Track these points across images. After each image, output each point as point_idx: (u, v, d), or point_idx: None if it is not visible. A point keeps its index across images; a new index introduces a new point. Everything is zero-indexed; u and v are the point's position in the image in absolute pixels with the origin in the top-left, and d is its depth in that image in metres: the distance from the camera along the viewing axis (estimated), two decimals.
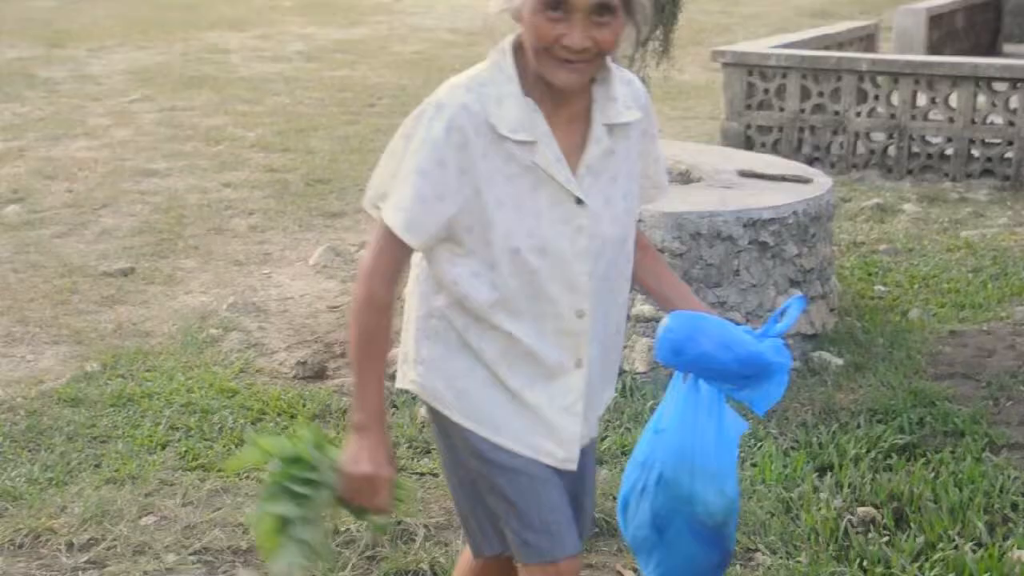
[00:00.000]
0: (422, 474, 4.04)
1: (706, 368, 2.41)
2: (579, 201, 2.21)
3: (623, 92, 2.27)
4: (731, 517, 2.57)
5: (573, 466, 2.33)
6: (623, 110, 2.26)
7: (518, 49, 2.18)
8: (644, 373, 4.76)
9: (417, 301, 2.33)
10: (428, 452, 4.19)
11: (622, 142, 2.27)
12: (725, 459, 2.51)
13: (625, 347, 4.81)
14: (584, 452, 2.38)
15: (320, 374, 4.97)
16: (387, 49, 15.53)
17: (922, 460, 4.10)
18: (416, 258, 2.32)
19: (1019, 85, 8.65)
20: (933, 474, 3.97)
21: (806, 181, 5.45)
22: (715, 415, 2.48)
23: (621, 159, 2.28)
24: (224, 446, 4.25)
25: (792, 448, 4.23)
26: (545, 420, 2.29)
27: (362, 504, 2.25)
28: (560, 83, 2.13)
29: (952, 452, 4.15)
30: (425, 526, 3.69)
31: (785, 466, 4.06)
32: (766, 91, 9.38)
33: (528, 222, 2.17)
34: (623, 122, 2.26)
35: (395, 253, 2.20)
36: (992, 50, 14.55)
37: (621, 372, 4.79)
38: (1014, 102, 8.69)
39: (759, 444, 4.24)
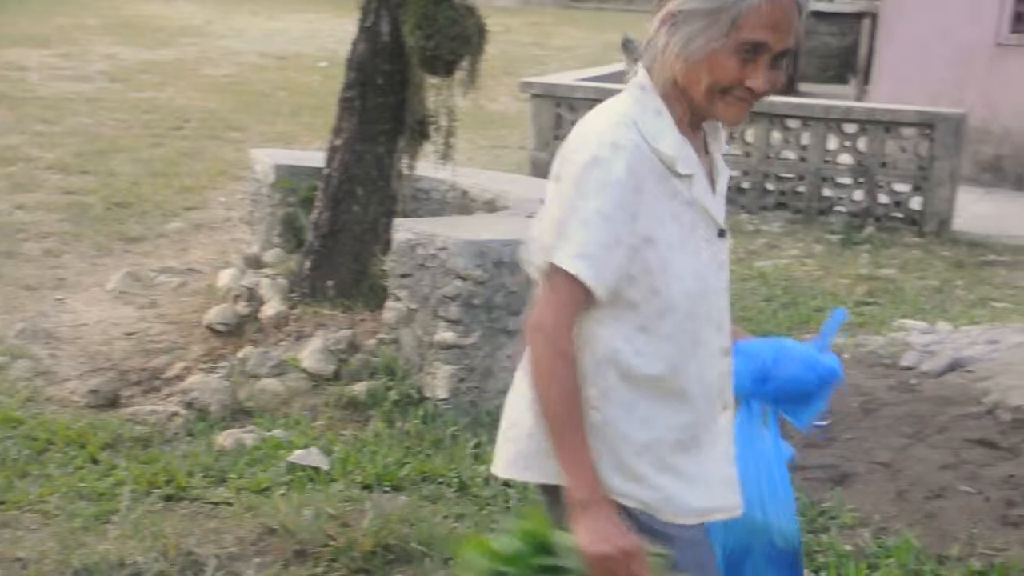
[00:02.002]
0: (216, 503, 3.95)
1: (791, 392, 2.34)
2: (721, 233, 2.14)
3: (718, 127, 2.24)
4: (801, 538, 2.53)
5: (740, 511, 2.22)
6: (723, 143, 2.24)
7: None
8: (446, 400, 4.76)
9: None
10: (223, 481, 4.10)
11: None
12: (786, 482, 2.44)
13: (427, 374, 4.82)
14: None
15: (113, 402, 4.82)
16: (196, 72, 15.24)
17: None
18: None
19: (810, 123, 9.04)
20: None
21: None
22: (771, 440, 2.40)
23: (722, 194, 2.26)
24: (7, 478, 4.07)
25: None
26: (718, 473, 2.16)
27: None
28: (731, 120, 2.08)
29: None
30: (216, 556, 3.60)
31: None
32: (573, 123, 9.52)
33: (693, 262, 2.08)
34: (723, 153, 2.24)
35: (577, 305, 2.00)
36: (788, 89, 15.17)
37: (422, 399, 4.80)
38: (805, 139, 9.09)
39: None
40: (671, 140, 2.05)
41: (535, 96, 9.65)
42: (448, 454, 4.38)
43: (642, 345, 2.05)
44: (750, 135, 9.24)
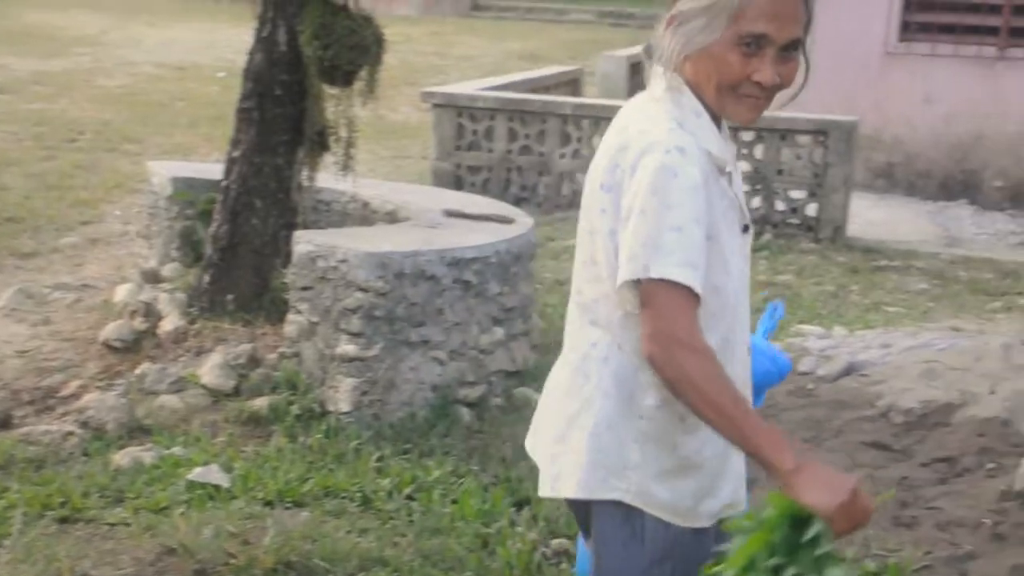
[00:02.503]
0: (113, 524, 3.88)
1: (756, 386, 2.32)
2: (746, 228, 2.17)
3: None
4: None
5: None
6: (732, 141, 2.27)
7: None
8: (348, 413, 4.73)
9: (611, 403, 2.12)
10: (120, 501, 4.03)
11: None
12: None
13: (330, 388, 4.79)
14: None
15: (5, 423, 4.70)
16: (91, 83, 14.94)
17: None
18: (582, 351, 2.17)
19: None
20: None
21: (509, 221, 5.58)
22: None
23: None
24: None
25: (492, 484, 4.30)
26: (737, 468, 2.21)
27: (859, 525, 1.97)
28: (742, 119, 2.08)
29: None
30: None
31: (485, 501, 4.12)
32: (475, 132, 9.58)
33: (738, 259, 2.12)
34: (734, 152, 2.24)
35: (694, 309, 1.97)
36: None
37: (325, 413, 4.76)
38: None
39: (459, 481, 4.29)
40: (713, 139, 2.08)
41: (436, 106, 9.64)
42: (351, 468, 4.36)
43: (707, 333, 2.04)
44: None
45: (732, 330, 2.12)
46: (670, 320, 1.95)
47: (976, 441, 4.79)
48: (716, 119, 2.11)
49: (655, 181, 1.97)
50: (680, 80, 2.08)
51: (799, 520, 1.93)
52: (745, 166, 9.20)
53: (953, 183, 10.59)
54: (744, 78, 2.01)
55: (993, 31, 10.34)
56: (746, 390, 2.17)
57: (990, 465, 4.60)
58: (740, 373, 2.15)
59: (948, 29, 10.39)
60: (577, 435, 2.14)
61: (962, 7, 10.35)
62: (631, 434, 2.10)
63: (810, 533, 1.91)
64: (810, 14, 2.04)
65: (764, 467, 1.94)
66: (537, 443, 2.31)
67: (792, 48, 2.03)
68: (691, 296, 1.96)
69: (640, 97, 2.15)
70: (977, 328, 6.57)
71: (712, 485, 2.16)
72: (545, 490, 2.22)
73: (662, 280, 1.95)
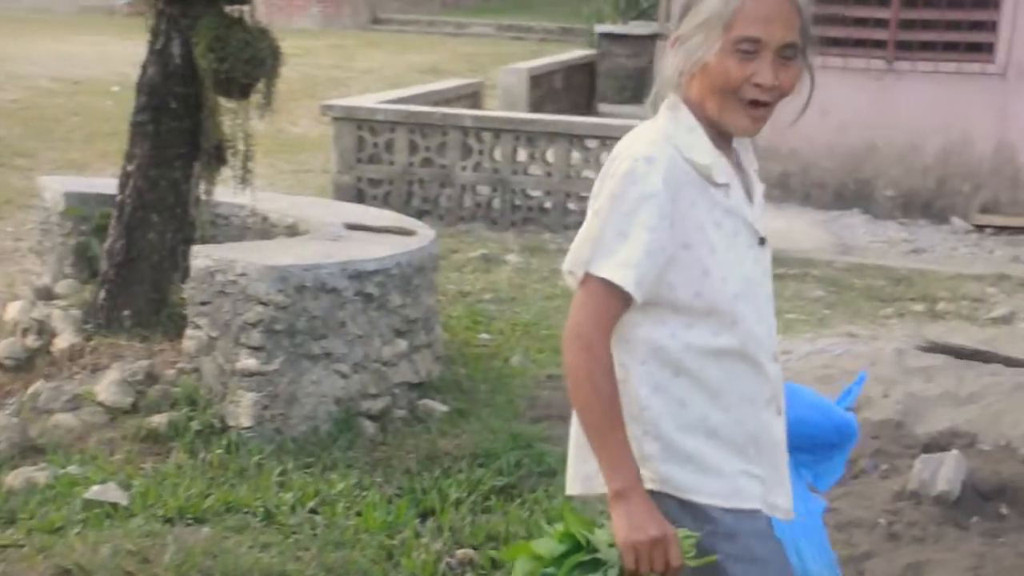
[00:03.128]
0: (5, 546, 3.78)
1: (801, 435, 2.31)
2: (762, 241, 2.24)
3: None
4: None
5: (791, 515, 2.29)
6: (753, 158, 2.31)
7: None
8: (250, 428, 4.68)
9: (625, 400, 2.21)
10: (13, 522, 3.93)
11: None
12: (821, 531, 2.42)
13: (230, 403, 4.73)
14: None
15: None
16: None
17: (519, 500, 4.27)
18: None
19: (608, 142, 9.25)
20: (528, 513, 4.14)
21: (410, 233, 5.58)
22: (799, 492, 2.37)
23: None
24: None
25: (396, 495, 4.29)
26: (777, 474, 2.24)
27: (656, 570, 2.07)
28: (741, 128, 2.16)
29: (546, 491, 4.34)
30: None
31: (389, 513, 4.10)
32: (376, 145, 9.56)
33: (739, 267, 2.18)
34: (756, 169, 2.31)
35: (614, 312, 2.12)
36: (589, 109, 15.51)
37: (226, 428, 4.71)
38: (604, 158, 9.28)
39: (363, 493, 4.27)
40: (704, 151, 2.16)
41: (336, 119, 9.60)
42: (253, 483, 4.31)
43: (692, 339, 2.16)
44: (550, 155, 9.40)
45: (746, 344, 2.19)
46: (583, 314, 2.11)
47: (871, 443, 4.90)
48: (723, 136, 2.21)
49: (615, 187, 2.13)
50: (678, 99, 2.19)
51: (586, 541, 2.09)
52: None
53: (847, 192, 10.83)
54: (743, 81, 2.11)
55: (881, 44, 10.61)
56: (776, 398, 2.25)
57: (884, 467, 4.71)
58: (762, 390, 2.22)
59: (838, 42, 10.63)
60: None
61: (851, 21, 10.61)
62: (641, 427, 2.20)
63: (588, 556, 2.08)
64: (805, 21, 2.14)
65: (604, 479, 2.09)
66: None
67: (789, 53, 2.13)
68: (619, 298, 2.10)
69: (645, 121, 2.28)
70: (871, 334, 6.72)
71: (741, 466, 2.20)
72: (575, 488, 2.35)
73: (595, 277, 2.10)
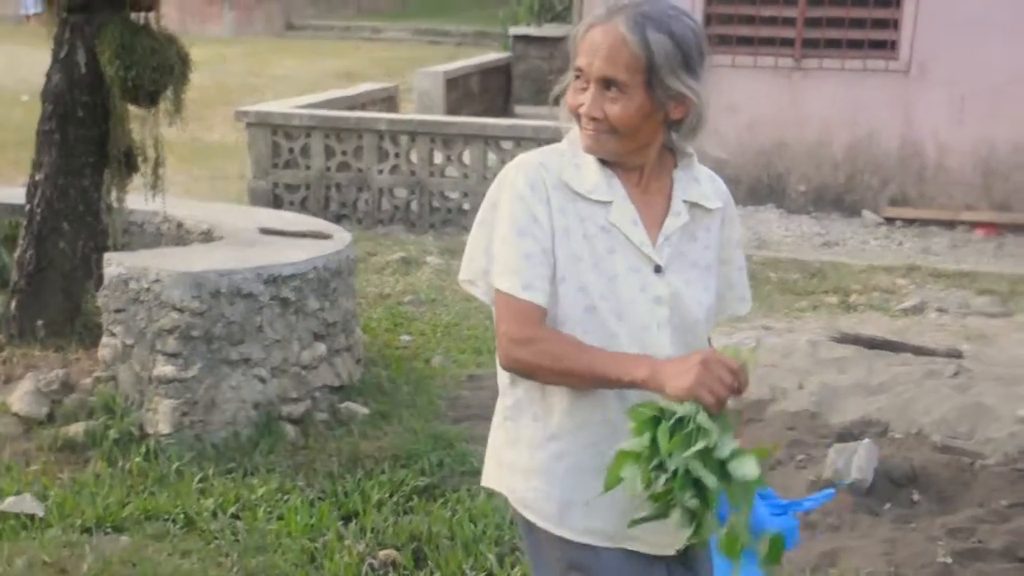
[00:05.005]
0: None
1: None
2: (658, 269, 2.21)
3: (707, 182, 2.32)
4: None
5: (672, 549, 2.24)
6: (709, 195, 2.29)
7: None
8: (169, 435, 4.64)
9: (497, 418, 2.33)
10: None
11: (703, 229, 2.28)
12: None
13: (148, 410, 4.69)
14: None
15: None
16: None
17: (441, 500, 4.29)
18: None
19: (522, 143, 9.30)
20: (451, 513, 4.16)
21: (326, 237, 5.57)
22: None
23: (702, 247, 2.28)
24: None
25: (319, 499, 4.28)
26: (620, 502, 2.14)
27: (729, 384, 2.02)
28: (584, 147, 2.22)
29: (468, 490, 4.36)
30: None
31: (311, 517, 4.10)
32: (291, 150, 9.51)
33: (604, 283, 2.18)
34: (705, 206, 2.28)
35: (529, 313, 2.15)
36: (505, 111, 15.57)
37: (144, 436, 4.66)
38: None
39: (285, 497, 4.26)
40: (590, 170, 2.22)
41: (251, 125, 9.54)
42: (173, 490, 4.28)
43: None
44: (467, 157, 9.43)
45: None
46: (505, 324, 2.16)
47: (787, 434, 4.99)
48: (631, 163, 2.25)
49: (492, 193, 2.23)
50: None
51: (670, 416, 2.03)
52: None
53: (761, 188, 10.99)
54: (576, 107, 2.21)
55: (789, 43, 10.79)
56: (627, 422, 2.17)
57: (800, 456, 4.79)
58: (609, 414, 2.20)
59: (747, 41, 10.79)
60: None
61: (758, 20, 10.77)
62: (501, 433, 2.30)
63: (671, 420, 2.02)
64: (655, 63, 2.12)
65: (638, 387, 2.08)
66: None
67: (608, 87, 2.16)
68: (518, 304, 2.15)
69: None
70: (786, 326, 6.84)
71: (576, 496, 2.20)
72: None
73: (496, 289, 2.18)
